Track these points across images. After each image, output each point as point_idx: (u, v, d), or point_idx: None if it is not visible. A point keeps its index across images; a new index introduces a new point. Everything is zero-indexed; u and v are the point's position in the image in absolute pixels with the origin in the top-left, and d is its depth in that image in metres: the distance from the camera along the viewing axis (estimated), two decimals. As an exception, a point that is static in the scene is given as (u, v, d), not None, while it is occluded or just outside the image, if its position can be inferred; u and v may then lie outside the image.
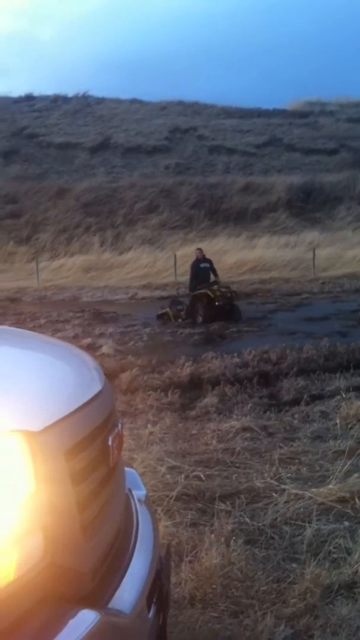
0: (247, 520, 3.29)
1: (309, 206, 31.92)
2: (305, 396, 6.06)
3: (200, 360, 7.63)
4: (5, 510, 1.16)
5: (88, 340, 9.66)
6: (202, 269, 13.81)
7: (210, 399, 6.04)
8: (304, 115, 44.36)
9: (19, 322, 12.08)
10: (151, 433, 4.88)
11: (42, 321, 12.48)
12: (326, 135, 40.66)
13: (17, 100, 44.34)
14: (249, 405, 5.81)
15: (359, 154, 37.55)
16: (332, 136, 40.37)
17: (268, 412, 5.62)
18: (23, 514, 1.18)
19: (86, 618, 1.18)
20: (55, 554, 1.23)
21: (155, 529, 1.93)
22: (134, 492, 2.04)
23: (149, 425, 5.12)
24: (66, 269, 25.22)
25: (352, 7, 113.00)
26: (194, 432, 5.06)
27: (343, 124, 42.54)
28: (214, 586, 2.59)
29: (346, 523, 3.26)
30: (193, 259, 14.45)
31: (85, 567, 1.32)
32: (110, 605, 1.32)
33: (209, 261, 14.13)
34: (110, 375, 6.21)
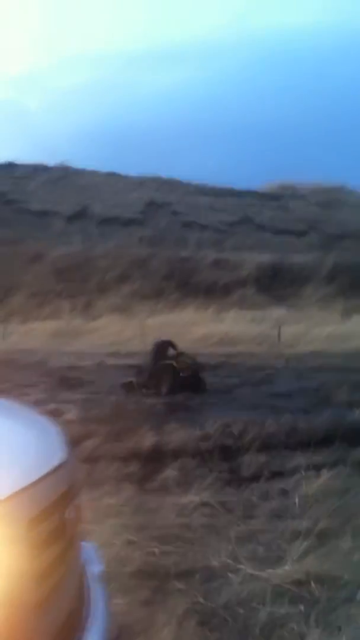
0: (201, 600, 3.24)
1: (277, 284, 32.66)
2: (265, 472, 6.05)
3: (163, 430, 7.60)
4: None
5: (52, 405, 9.55)
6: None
7: (170, 471, 5.99)
8: (276, 197, 46.02)
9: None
10: (109, 505, 4.81)
11: (7, 385, 12.32)
12: (296, 217, 42.13)
13: (-2, 167, 45.19)
14: (209, 479, 5.77)
15: (327, 237, 38.88)
16: (302, 219, 41.83)
17: (228, 487, 5.59)
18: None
19: None
20: (9, 628, 1.22)
21: (108, 607, 1.91)
22: (90, 568, 2.03)
23: (107, 497, 5.05)
24: (36, 333, 25.11)
25: (327, 95, 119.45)
26: (152, 505, 5.00)
27: (313, 207, 44.20)
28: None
29: (301, 607, 3.23)
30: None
31: (37, 644, 1.32)
32: None
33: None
34: (72, 443, 6.11)
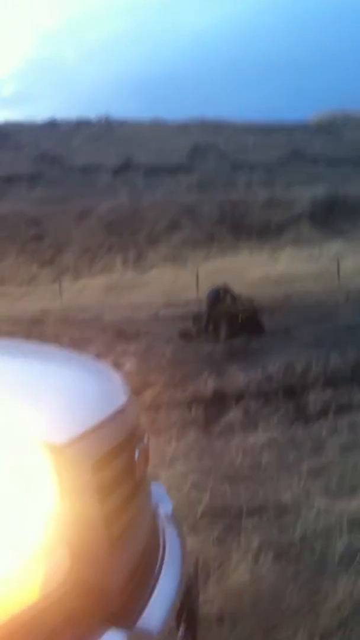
0: (276, 535, 3.24)
1: (333, 218, 31.78)
2: (332, 407, 5.97)
3: (224, 375, 7.59)
4: (30, 525, 1.14)
5: (111, 358, 9.67)
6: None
7: (234, 414, 5.99)
8: (327, 127, 44.37)
9: (43, 342, 12.11)
10: (175, 449, 4.85)
11: (65, 341, 12.54)
12: (350, 146, 40.57)
13: (41, 126, 45.14)
14: (275, 418, 5.75)
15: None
16: (356, 147, 40.26)
17: (294, 425, 5.56)
18: (48, 529, 1.16)
19: (114, 638, 1.16)
20: (82, 570, 1.21)
21: (183, 546, 1.90)
22: (161, 507, 2.02)
23: (172, 442, 5.09)
24: (89, 289, 25.38)
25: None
26: (218, 447, 5.02)
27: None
28: (243, 603, 2.55)
29: (378, 537, 3.19)
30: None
31: (113, 585, 1.30)
32: (138, 624, 1.29)
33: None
34: (133, 392, 6.18)
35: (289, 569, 2.88)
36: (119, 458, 1.52)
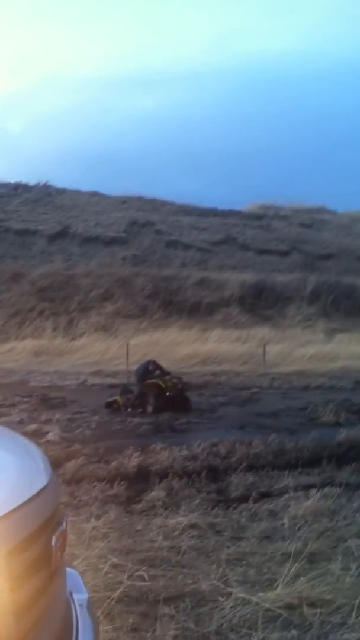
0: (192, 625, 3.12)
1: (261, 303, 32.75)
2: (253, 493, 5.96)
3: (149, 451, 7.48)
4: None
5: (34, 426, 9.39)
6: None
7: (157, 493, 5.87)
8: (259, 217, 46.37)
9: None
10: (94, 527, 4.68)
11: (-13, 405, 12.14)
12: (279, 237, 42.42)
13: (-22, 186, 45.08)
14: (197, 500, 5.67)
15: (309, 257, 39.15)
16: (284, 239, 42.13)
17: (216, 509, 5.48)
18: None
19: None
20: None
21: (97, 636, 1.81)
22: (75, 596, 1.92)
23: (92, 519, 4.92)
24: (16, 352, 24.87)
25: (309, 118, 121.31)
26: (139, 527, 4.88)
27: (295, 228, 44.57)
28: None
29: (294, 632, 3.13)
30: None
31: None
32: None
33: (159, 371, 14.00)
34: (55, 464, 5.97)
35: (203, 664, 2.77)
36: (35, 544, 1.45)
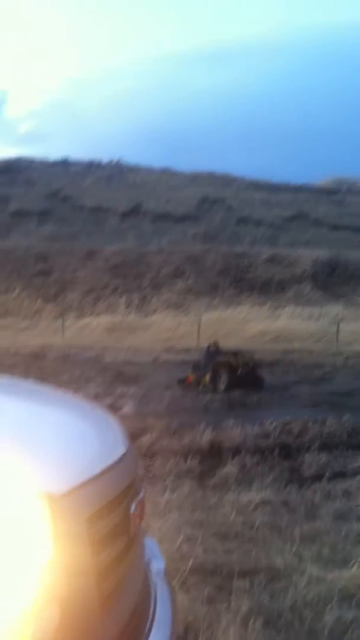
0: (266, 600, 3.13)
1: (334, 280, 32.04)
2: (327, 472, 5.88)
3: (221, 427, 7.50)
4: (23, 578, 1.09)
5: (109, 400, 9.60)
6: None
7: (230, 468, 5.90)
8: (332, 192, 45.21)
9: (42, 379, 12.07)
10: (169, 500, 4.75)
11: (65, 378, 12.47)
12: (353, 212, 41.23)
13: (53, 164, 45.98)
14: (270, 477, 5.65)
15: (385, 231, 37.95)
16: (357, 214, 40.92)
17: (289, 487, 5.45)
18: (40, 583, 1.11)
19: None
20: (71, 628, 1.15)
21: (174, 605, 1.83)
22: (153, 564, 1.95)
23: (166, 492, 4.99)
24: (91, 329, 25.40)
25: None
26: (212, 502, 4.91)
27: (370, 202, 43.22)
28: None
29: (370, 611, 3.08)
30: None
31: (102, 644, 1.24)
32: None
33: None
34: (130, 438, 6.11)
35: (277, 638, 2.77)
36: (115, 511, 1.48)
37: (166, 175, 45.77)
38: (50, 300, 28.79)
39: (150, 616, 1.64)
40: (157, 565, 2.00)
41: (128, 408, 8.89)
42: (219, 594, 3.15)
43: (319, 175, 50.16)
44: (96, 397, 9.97)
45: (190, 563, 3.40)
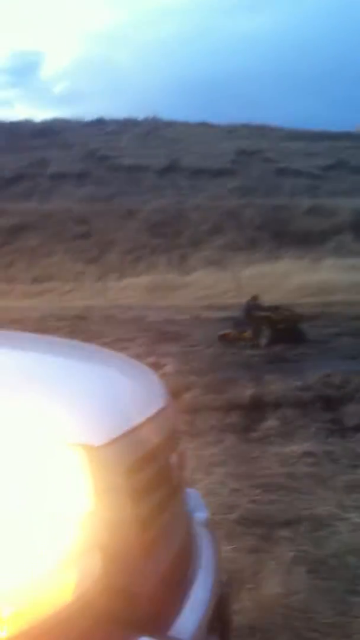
0: (310, 548, 3.18)
1: (377, 229, 31.32)
2: (370, 423, 5.86)
3: (262, 381, 7.52)
4: (64, 527, 1.12)
5: (151, 359, 9.68)
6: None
7: (271, 422, 5.93)
8: (373, 138, 43.79)
9: (86, 340, 12.20)
10: (212, 454, 4.83)
11: (108, 339, 12.63)
12: (395, 158, 39.95)
13: (89, 124, 45.71)
14: (312, 429, 5.66)
15: None
16: None
17: (331, 438, 5.46)
18: (81, 531, 1.14)
19: (144, 645, 1.13)
20: (114, 575, 1.18)
21: (217, 554, 1.87)
22: (196, 515, 1.99)
23: (210, 447, 5.07)
24: (132, 289, 25.57)
25: None
26: (255, 455, 4.97)
27: None
28: (274, 616, 2.50)
29: None
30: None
31: (144, 590, 1.27)
32: (169, 633, 1.27)
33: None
34: (173, 395, 6.18)
35: (322, 585, 2.82)
36: (155, 462, 1.50)
37: (202, 129, 45.06)
38: (91, 262, 29.03)
39: (193, 565, 1.67)
40: (200, 516, 2.03)
41: (170, 366, 8.97)
42: (264, 543, 3.21)
43: (357, 121, 48.61)
44: (138, 356, 10.08)
45: (235, 514, 3.46)
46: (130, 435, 1.39)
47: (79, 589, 1.10)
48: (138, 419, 1.48)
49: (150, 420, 1.54)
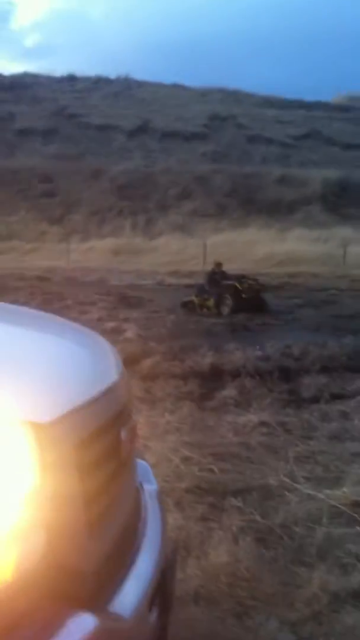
0: (258, 518, 3.25)
1: (344, 202, 31.51)
2: (325, 394, 5.98)
3: (223, 350, 7.59)
4: (7, 504, 1.12)
5: (112, 324, 9.67)
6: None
7: (229, 391, 6.01)
8: (346, 109, 43.73)
9: (46, 302, 12.15)
10: (168, 422, 4.87)
11: (69, 302, 12.54)
12: (367, 130, 40.03)
13: (60, 80, 44.51)
14: (268, 399, 5.76)
15: None
16: (373, 132, 39.75)
17: (287, 408, 5.57)
18: (25, 509, 1.14)
19: (84, 622, 1.14)
20: (58, 553, 1.18)
21: (164, 526, 1.89)
22: (145, 486, 2.00)
23: (166, 414, 5.11)
24: (96, 251, 25.34)
25: None
26: (210, 423, 5.04)
27: (385, 120, 41.85)
28: (219, 584, 2.57)
29: (358, 528, 3.21)
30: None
31: (88, 567, 1.28)
32: (110, 608, 1.28)
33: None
34: (132, 361, 6.21)
35: (267, 554, 2.90)
36: (104, 437, 1.49)
37: (175, 91, 44.34)
38: (55, 222, 28.58)
39: (140, 537, 1.69)
40: (150, 488, 2.05)
41: (131, 332, 8.96)
42: (213, 512, 3.27)
43: (333, 91, 48.43)
44: (100, 321, 10.05)
45: (186, 483, 3.51)
46: (81, 411, 1.38)
47: (21, 568, 1.09)
48: (90, 393, 1.47)
49: (102, 394, 1.53)
